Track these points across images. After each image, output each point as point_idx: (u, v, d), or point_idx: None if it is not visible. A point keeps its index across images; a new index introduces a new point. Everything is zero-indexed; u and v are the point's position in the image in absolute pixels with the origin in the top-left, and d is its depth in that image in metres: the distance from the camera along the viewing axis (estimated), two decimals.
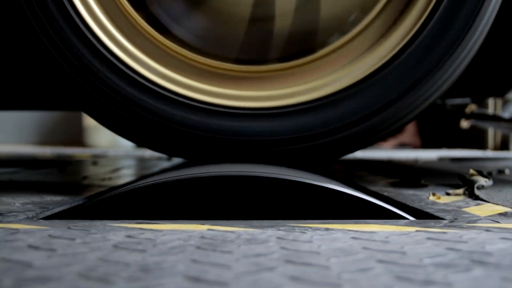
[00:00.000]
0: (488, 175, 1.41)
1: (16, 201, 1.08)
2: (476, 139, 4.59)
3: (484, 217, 0.94)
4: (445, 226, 0.85)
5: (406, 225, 0.86)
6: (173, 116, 1.20)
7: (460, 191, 1.26)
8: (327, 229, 0.81)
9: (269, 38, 1.29)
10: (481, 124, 3.09)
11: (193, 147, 1.23)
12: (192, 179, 0.94)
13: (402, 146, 4.99)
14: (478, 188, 1.29)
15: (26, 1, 1.15)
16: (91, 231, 0.78)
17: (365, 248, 0.68)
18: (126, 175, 1.82)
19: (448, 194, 1.25)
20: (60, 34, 1.16)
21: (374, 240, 0.73)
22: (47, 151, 3.82)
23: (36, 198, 1.13)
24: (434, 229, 0.81)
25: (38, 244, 0.69)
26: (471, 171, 1.41)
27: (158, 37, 1.24)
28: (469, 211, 1.00)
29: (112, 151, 3.83)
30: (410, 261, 0.62)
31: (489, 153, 3.92)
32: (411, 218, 0.93)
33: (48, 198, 1.14)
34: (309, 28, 1.29)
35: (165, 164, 2.35)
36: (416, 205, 1.07)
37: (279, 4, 1.26)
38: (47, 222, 0.87)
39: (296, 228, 0.82)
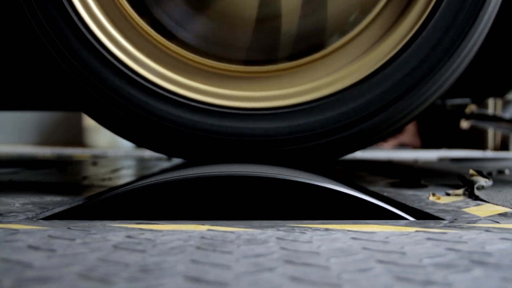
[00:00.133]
0: (488, 176, 1.41)
1: (16, 202, 1.08)
2: (476, 140, 4.59)
3: (484, 217, 0.94)
4: (445, 226, 0.85)
5: (406, 225, 0.86)
6: (173, 117, 1.20)
7: (460, 191, 1.26)
8: (327, 229, 0.81)
9: (269, 39, 1.29)
10: (481, 124, 3.09)
11: (192, 148, 1.23)
12: (192, 179, 0.94)
13: (402, 146, 5.00)
14: (478, 188, 1.29)
15: (25, 2, 1.15)
16: (91, 231, 0.78)
17: (365, 248, 0.68)
18: (126, 175, 1.82)
19: (448, 194, 1.25)
20: (60, 34, 1.17)
21: (374, 241, 0.73)
22: (47, 151, 3.82)
23: (36, 199, 1.13)
24: (434, 230, 0.81)
25: (38, 244, 0.69)
26: (471, 171, 1.41)
27: (158, 38, 1.24)
28: (469, 212, 1.00)
29: (112, 152, 3.83)
30: (410, 261, 0.62)
31: (489, 154, 3.92)
32: (411, 219, 0.93)
33: (48, 198, 1.14)
34: (309, 29, 1.29)
35: (165, 164, 2.35)
36: (416, 205, 1.07)
37: (278, 5, 1.26)
38: (47, 222, 0.87)
39: (296, 228, 0.82)
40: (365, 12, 1.25)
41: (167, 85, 1.21)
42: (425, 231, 0.80)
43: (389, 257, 0.64)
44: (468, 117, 2.83)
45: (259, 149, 1.22)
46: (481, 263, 0.61)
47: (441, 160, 2.96)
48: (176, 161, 2.53)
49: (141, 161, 2.72)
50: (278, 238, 0.74)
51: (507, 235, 0.77)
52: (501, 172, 1.92)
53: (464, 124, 2.98)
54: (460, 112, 2.77)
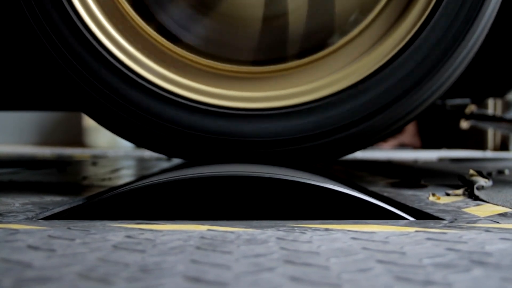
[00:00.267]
0: (487, 176, 1.41)
1: (16, 202, 1.08)
2: (476, 140, 4.59)
3: (483, 217, 0.94)
4: (444, 226, 0.85)
5: (405, 225, 0.86)
6: (173, 117, 1.20)
7: (460, 191, 1.26)
8: (326, 229, 0.81)
9: (269, 39, 1.29)
10: (481, 124, 3.09)
11: (192, 148, 1.23)
12: (191, 179, 0.94)
13: (402, 146, 5.00)
14: (477, 188, 1.29)
15: (25, 2, 1.15)
16: (91, 231, 0.78)
17: (364, 248, 0.68)
18: (126, 175, 1.82)
19: (447, 194, 1.25)
20: (60, 35, 1.16)
21: (373, 241, 0.73)
22: (47, 151, 3.82)
23: (35, 199, 1.13)
24: (433, 230, 0.81)
25: (37, 244, 0.69)
26: (471, 171, 1.41)
27: (158, 38, 1.24)
28: (468, 212, 1.00)
29: (111, 152, 3.83)
30: (410, 261, 0.62)
31: (488, 154, 3.92)
32: (411, 219, 0.93)
33: (48, 198, 1.14)
34: (309, 29, 1.29)
35: (165, 164, 2.35)
36: (415, 205, 1.07)
37: (278, 5, 1.26)
38: (46, 222, 0.87)
39: (295, 228, 0.82)
40: (365, 12, 1.25)
41: (166, 85, 1.21)
42: (425, 231, 0.80)
43: (389, 257, 0.64)
44: (468, 117, 2.83)
45: (259, 149, 1.22)
46: (481, 263, 0.61)
47: (441, 160, 2.96)
48: (176, 161, 2.53)
49: (141, 161, 2.72)
50: (278, 238, 0.74)
51: (507, 235, 0.77)
52: (501, 172, 1.92)
53: (464, 124, 2.98)
54: (460, 112, 2.77)
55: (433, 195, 1.21)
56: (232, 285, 0.52)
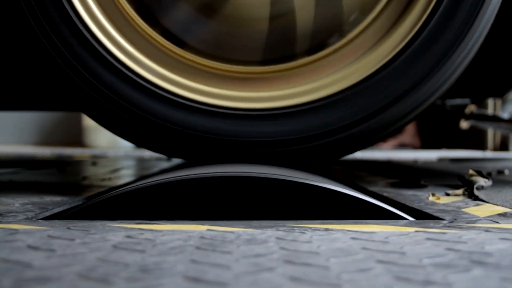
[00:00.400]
0: (487, 176, 1.41)
1: (16, 202, 1.08)
2: (476, 140, 4.60)
3: (483, 217, 0.94)
4: (444, 226, 0.85)
5: (405, 225, 0.86)
6: (173, 117, 1.20)
7: (460, 191, 1.26)
8: (326, 229, 0.81)
9: (269, 39, 1.29)
10: (481, 124, 3.09)
11: (192, 148, 1.23)
12: (191, 179, 0.94)
13: (402, 146, 5.00)
14: (477, 188, 1.29)
15: (25, 2, 1.15)
16: (91, 231, 0.78)
17: (364, 248, 0.68)
18: (126, 175, 1.82)
19: (447, 194, 1.25)
20: (59, 35, 1.17)
21: (373, 241, 0.73)
22: (46, 151, 3.82)
23: (35, 199, 1.13)
24: (433, 230, 0.81)
25: (37, 244, 0.69)
26: (471, 171, 1.41)
27: (158, 38, 1.24)
28: (468, 212, 1.00)
29: (111, 152, 3.83)
30: (410, 261, 0.62)
31: (488, 154, 3.93)
32: (411, 219, 0.93)
33: (48, 198, 1.14)
34: (309, 29, 1.29)
35: (165, 164, 2.35)
36: (415, 205, 1.07)
37: (278, 5, 1.26)
38: (46, 222, 0.87)
39: (295, 228, 0.82)
40: (365, 12, 1.25)
41: (166, 85, 1.21)
42: (425, 231, 0.80)
43: (389, 257, 0.64)
44: (468, 117, 2.83)
45: (259, 149, 1.22)
46: (480, 263, 0.61)
47: (440, 160, 2.96)
48: (176, 161, 2.53)
49: (140, 161, 2.72)
50: (278, 238, 0.74)
51: (507, 235, 0.77)
52: (500, 172, 1.92)
53: (464, 124, 2.98)
54: (459, 112, 2.77)
55: (433, 195, 1.21)
56: (232, 285, 0.52)
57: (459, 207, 1.06)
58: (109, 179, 1.62)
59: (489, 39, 1.32)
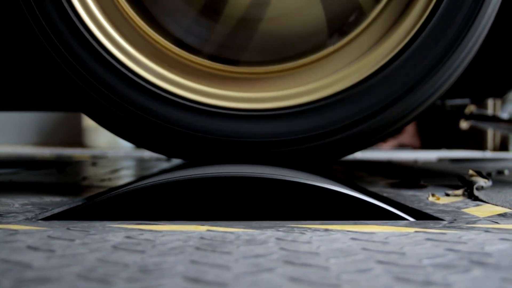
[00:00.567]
0: (487, 176, 1.41)
1: (16, 202, 1.08)
2: (476, 140, 4.60)
3: (483, 218, 0.94)
4: (444, 227, 0.85)
5: (405, 226, 0.86)
6: (173, 118, 1.20)
7: (460, 192, 1.26)
8: (326, 230, 0.81)
9: (269, 40, 1.29)
10: (481, 124, 3.10)
11: (192, 148, 1.23)
12: (191, 180, 0.94)
13: (402, 146, 5.00)
14: (477, 189, 1.29)
15: (25, 2, 1.15)
16: (91, 232, 0.78)
17: (364, 249, 0.68)
18: (126, 176, 1.82)
19: (447, 195, 1.25)
20: (59, 35, 1.17)
21: (373, 241, 0.73)
22: (46, 151, 3.82)
23: (35, 199, 1.13)
24: (433, 230, 0.81)
25: (37, 245, 0.69)
26: (471, 171, 1.41)
27: (157, 38, 1.24)
28: (468, 212, 1.00)
29: (111, 152, 3.83)
30: (410, 261, 0.62)
31: (488, 154, 3.93)
32: (411, 219, 0.93)
33: (48, 199, 1.14)
34: (309, 30, 1.29)
35: (164, 165, 2.35)
36: (415, 206, 1.07)
37: (277, 5, 1.26)
38: (46, 223, 0.87)
39: (295, 228, 0.82)
40: (365, 12, 1.25)
41: (166, 86, 1.21)
42: (425, 231, 0.80)
43: (389, 258, 0.64)
44: (468, 117, 2.83)
45: (259, 150, 1.22)
46: (480, 264, 0.61)
47: (440, 160, 2.96)
48: (176, 161, 2.53)
49: (140, 161, 2.72)
50: (278, 239, 0.74)
51: (507, 236, 0.77)
52: (500, 172, 1.92)
53: (464, 124, 2.98)
54: (459, 113, 2.77)
55: (433, 195, 1.21)
56: (232, 286, 0.52)
57: (459, 208, 1.06)
58: (109, 179, 1.62)
59: (489, 39, 1.32)
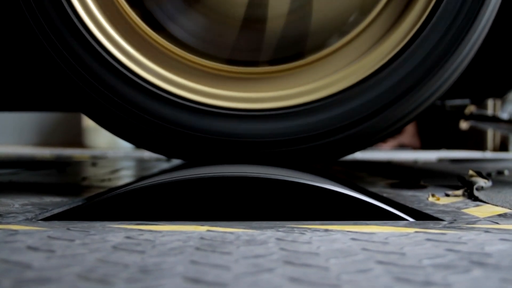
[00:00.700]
0: (487, 176, 1.41)
1: (16, 202, 1.08)
2: (476, 140, 4.60)
3: (483, 218, 0.94)
4: (444, 227, 0.85)
5: (405, 226, 0.86)
6: (172, 118, 1.20)
7: (460, 192, 1.26)
8: (326, 230, 0.81)
9: (269, 40, 1.29)
10: (481, 125, 3.10)
11: (192, 149, 1.23)
12: (191, 180, 0.94)
13: (402, 147, 5.00)
14: (477, 189, 1.29)
15: (25, 3, 1.15)
16: (90, 232, 0.78)
17: (364, 249, 0.68)
18: (126, 176, 1.82)
19: (447, 195, 1.25)
20: (59, 35, 1.17)
21: (373, 241, 0.73)
22: (46, 152, 3.82)
23: (35, 199, 1.13)
24: (433, 230, 0.81)
25: (37, 245, 0.69)
26: (471, 172, 1.41)
27: (157, 38, 1.24)
28: (468, 212, 1.00)
29: (111, 152, 3.83)
30: (410, 262, 0.62)
31: (488, 154, 3.93)
32: (411, 219, 0.93)
33: (48, 199, 1.14)
34: (309, 30, 1.29)
35: (164, 165, 2.35)
36: (415, 206, 1.07)
37: (276, 6, 1.26)
38: (46, 223, 0.87)
39: (295, 229, 0.82)
40: (365, 12, 1.25)
41: (166, 86, 1.21)
42: (425, 232, 0.80)
43: (389, 258, 0.64)
44: (468, 118, 2.83)
45: (258, 150, 1.22)
46: (480, 264, 0.61)
47: (440, 160, 2.96)
48: (175, 161, 2.53)
49: (140, 162, 2.72)
50: (278, 239, 0.74)
51: (507, 236, 0.77)
52: (500, 172, 1.92)
53: (464, 125, 2.98)
54: (459, 113, 2.77)
55: (433, 195, 1.21)
56: (232, 286, 0.52)
57: (459, 208, 1.06)
58: (109, 179, 1.62)
59: (489, 39, 1.32)
